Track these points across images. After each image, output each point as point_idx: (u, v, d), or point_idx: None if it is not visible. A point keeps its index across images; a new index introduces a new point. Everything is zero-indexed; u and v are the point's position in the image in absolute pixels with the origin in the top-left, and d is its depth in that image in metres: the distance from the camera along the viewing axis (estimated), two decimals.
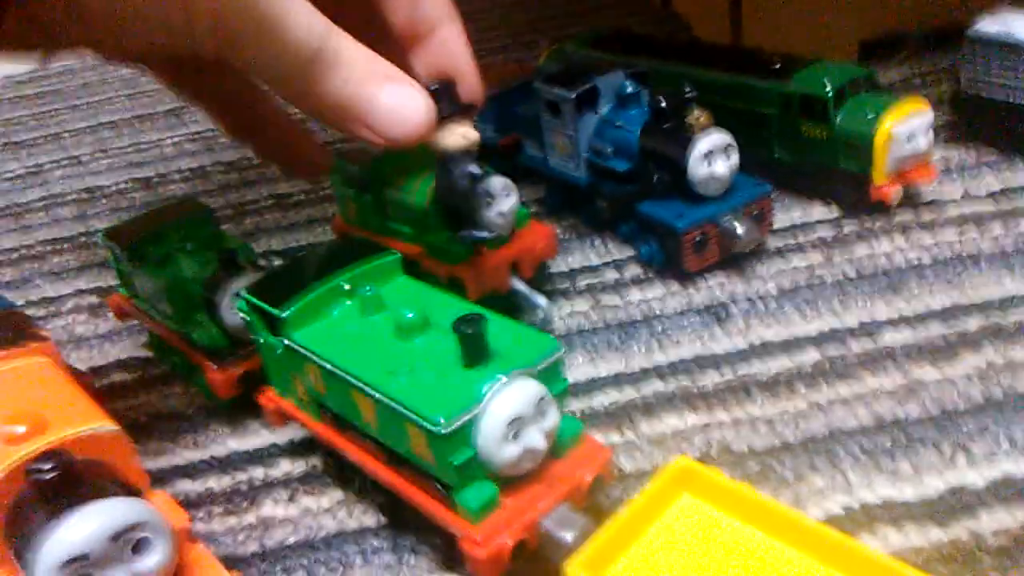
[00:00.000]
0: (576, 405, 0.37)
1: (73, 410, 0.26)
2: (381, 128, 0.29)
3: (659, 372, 0.38)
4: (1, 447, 0.24)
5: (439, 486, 0.28)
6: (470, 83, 0.35)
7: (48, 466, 0.22)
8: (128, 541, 0.23)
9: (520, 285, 0.41)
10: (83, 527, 0.22)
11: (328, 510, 0.34)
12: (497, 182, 0.39)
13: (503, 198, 0.39)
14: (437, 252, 0.41)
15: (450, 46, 0.35)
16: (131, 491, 0.24)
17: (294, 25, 0.27)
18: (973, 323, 0.38)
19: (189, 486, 0.36)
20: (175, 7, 0.26)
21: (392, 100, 0.29)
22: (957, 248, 0.43)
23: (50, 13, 0.27)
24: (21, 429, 0.24)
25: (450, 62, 0.35)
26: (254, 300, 0.33)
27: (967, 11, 0.51)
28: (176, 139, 0.75)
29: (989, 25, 0.49)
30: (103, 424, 0.25)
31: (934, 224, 0.46)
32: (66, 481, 0.23)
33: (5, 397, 0.27)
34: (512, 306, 0.42)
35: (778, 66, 0.48)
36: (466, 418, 0.26)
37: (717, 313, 0.41)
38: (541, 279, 0.44)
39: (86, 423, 0.25)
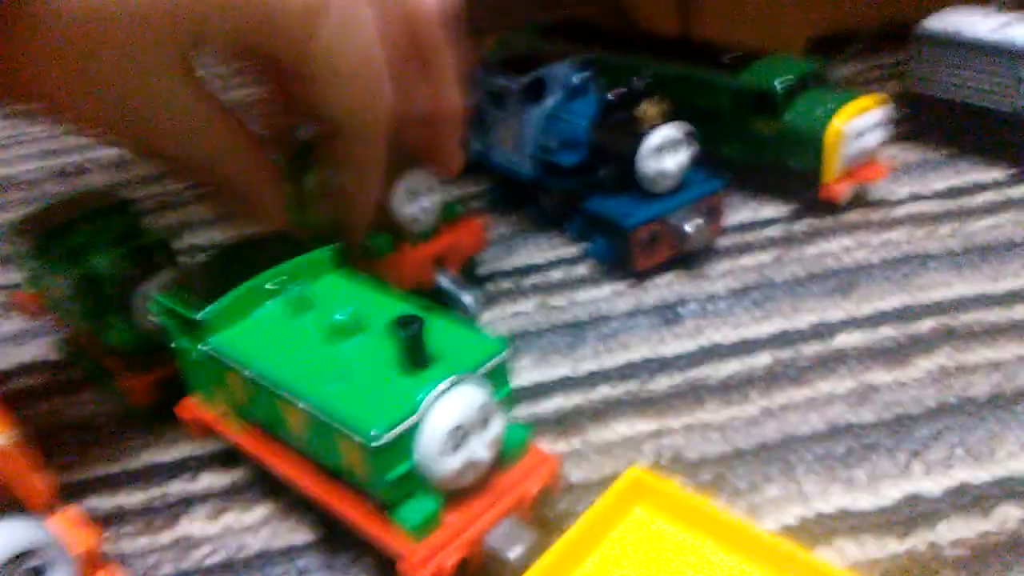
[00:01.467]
0: (522, 411, 0.35)
1: None
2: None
3: (608, 376, 0.37)
4: None
5: (375, 502, 0.26)
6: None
7: None
8: (25, 566, 0.20)
9: (446, 282, 0.40)
10: None
11: (253, 527, 0.31)
12: (416, 179, 0.38)
13: (423, 195, 0.38)
14: (360, 249, 0.39)
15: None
16: (33, 508, 0.22)
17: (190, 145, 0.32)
18: (925, 325, 0.38)
19: (100, 502, 0.33)
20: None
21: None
22: (907, 248, 0.43)
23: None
24: None
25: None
26: (167, 302, 0.30)
27: (916, 9, 0.50)
28: None
29: (937, 23, 0.49)
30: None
31: (883, 224, 0.45)
32: None
33: None
34: (438, 305, 0.40)
35: (729, 59, 0.47)
36: (404, 428, 0.24)
37: (667, 314, 0.40)
38: (471, 276, 0.42)
39: None
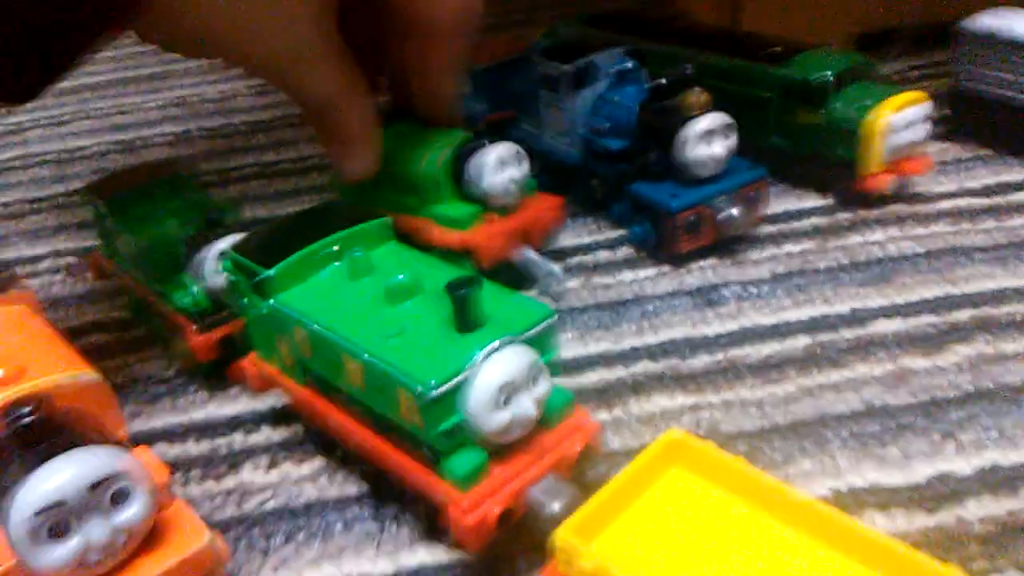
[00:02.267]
0: (565, 382, 0.36)
1: (54, 358, 0.25)
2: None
3: (649, 352, 0.38)
4: None
5: (427, 452, 0.27)
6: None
7: (27, 412, 0.22)
8: (107, 491, 0.22)
9: (532, 254, 0.41)
10: (61, 474, 0.21)
11: (309, 477, 0.33)
12: (507, 149, 0.39)
13: (513, 165, 0.39)
14: (447, 221, 0.40)
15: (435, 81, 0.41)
16: (112, 442, 0.24)
17: (308, 85, 0.36)
18: (964, 315, 0.38)
19: (166, 450, 0.35)
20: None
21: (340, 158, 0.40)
22: (950, 240, 0.43)
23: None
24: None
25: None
26: (240, 259, 0.32)
27: (964, 7, 0.51)
28: (160, 102, 0.74)
29: (984, 20, 0.49)
30: (85, 372, 0.24)
31: (927, 216, 0.46)
32: (45, 428, 0.22)
33: None
34: (521, 277, 0.41)
35: (777, 51, 0.47)
36: (456, 382, 0.26)
37: (708, 296, 0.41)
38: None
39: (67, 371, 0.24)
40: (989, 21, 0.48)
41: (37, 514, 0.21)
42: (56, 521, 0.21)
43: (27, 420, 0.22)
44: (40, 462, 0.22)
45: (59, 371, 0.24)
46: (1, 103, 0.31)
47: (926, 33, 0.62)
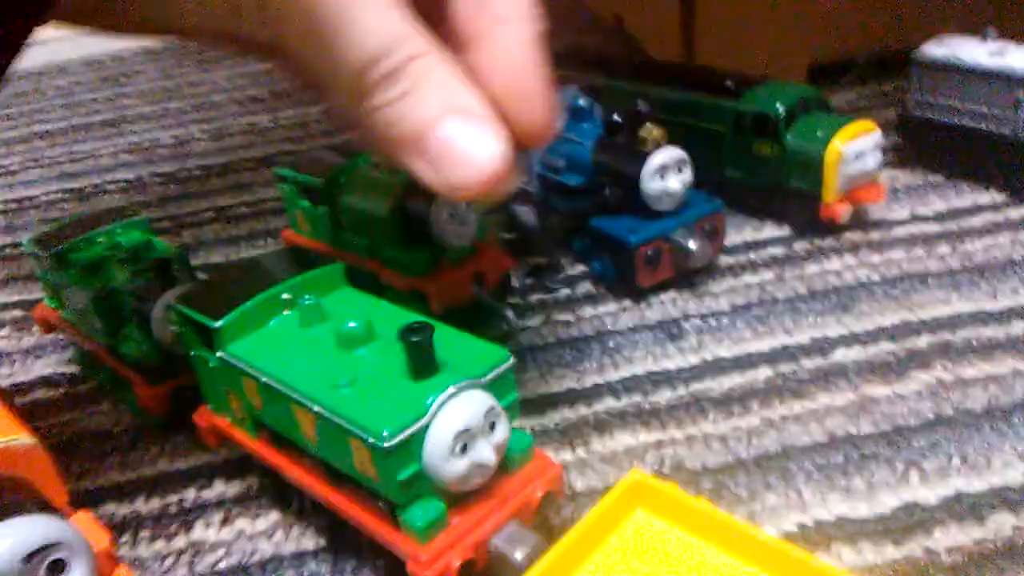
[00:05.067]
0: (527, 422, 0.36)
1: None
2: (436, 167, 0.24)
3: (611, 388, 0.37)
4: None
5: (383, 505, 0.26)
6: (530, 105, 0.26)
7: None
8: (43, 563, 0.21)
9: (486, 298, 0.40)
10: None
11: (264, 532, 0.32)
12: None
13: (464, 212, 0.39)
14: (397, 264, 0.40)
15: (513, 51, 0.26)
16: (50, 509, 0.22)
17: (357, 23, 0.23)
18: (922, 341, 0.38)
19: (115, 508, 0.34)
20: None
21: (451, 136, 0.24)
22: (905, 267, 0.44)
23: None
24: None
25: (507, 71, 0.26)
26: (187, 311, 0.31)
27: (914, 36, 0.52)
28: (113, 150, 0.72)
29: (935, 49, 0.50)
30: (19, 437, 0.23)
31: (882, 244, 0.46)
32: None
33: None
34: (475, 320, 0.41)
35: (730, 84, 0.48)
36: (412, 431, 0.25)
37: (670, 329, 0.41)
38: (504, 293, 0.43)
39: (2, 435, 0.23)
40: (946, 48, 0.49)
41: None
42: None
43: None
44: None
45: None
46: None
47: (876, 63, 0.63)
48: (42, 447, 0.24)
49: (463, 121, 0.24)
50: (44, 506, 0.23)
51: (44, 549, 0.21)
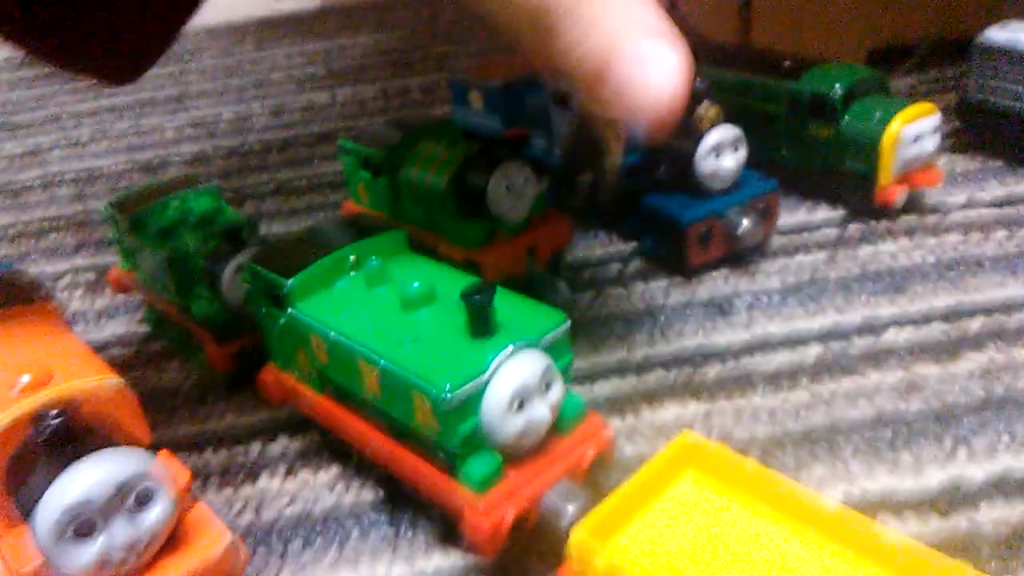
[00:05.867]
0: (577, 389, 0.37)
1: (80, 364, 0.25)
2: (624, 92, 0.23)
3: (662, 362, 0.38)
4: (5, 396, 0.23)
5: (442, 457, 0.28)
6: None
7: (55, 416, 0.22)
8: (132, 493, 0.23)
9: (538, 272, 0.41)
10: (87, 476, 0.22)
11: (326, 484, 0.33)
12: (514, 170, 0.39)
13: (519, 186, 0.40)
14: (453, 236, 0.41)
15: None
16: (136, 445, 0.24)
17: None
18: (975, 324, 0.38)
19: (185, 459, 0.35)
20: None
21: (643, 55, 0.23)
22: (961, 251, 0.43)
23: None
24: (26, 379, 0.24)
25: None
26: (259, 270, 0.33)
27: (974, 21, 0.51)
28: (178, 124, 0.75)
29: (997, 34, 0.49)
30: (111, 378, 0.25)
31: (938, 227, 0.46)
32: (71, 432, 0.22)
33: (9, 347, 0.27)
34: (527, 292, 0.41)
35: (788, 65, 0.48)
36: (472, 387, 0.26)
37: (720, 306, 0.41)
38: (557, 269, 0.44)
39: (92, 375, 0.25)
40: (1002, 34, 0.49)
41: (64, 513, 0.21)
42: (82, 521, 0.22)
43: (54, 424, 0.22)
44: (67, 465, 0.22)
45: (86, 377, 0.24)
46: (108, 83, 0.29)
47: (936, 48, 0.63)
48: (129, 388, 0.26)
49: (654, 42, 0.23)
50: (131, 442, 0.25)
51: (134, 480, 0.23)
